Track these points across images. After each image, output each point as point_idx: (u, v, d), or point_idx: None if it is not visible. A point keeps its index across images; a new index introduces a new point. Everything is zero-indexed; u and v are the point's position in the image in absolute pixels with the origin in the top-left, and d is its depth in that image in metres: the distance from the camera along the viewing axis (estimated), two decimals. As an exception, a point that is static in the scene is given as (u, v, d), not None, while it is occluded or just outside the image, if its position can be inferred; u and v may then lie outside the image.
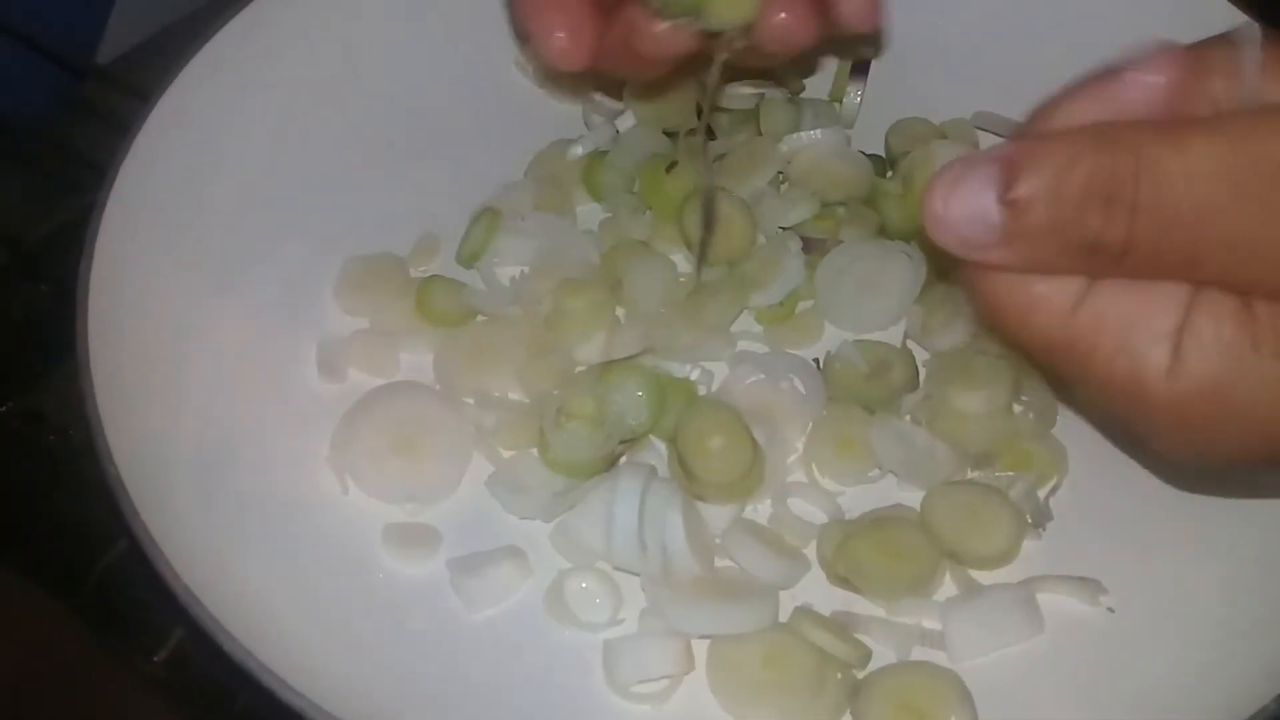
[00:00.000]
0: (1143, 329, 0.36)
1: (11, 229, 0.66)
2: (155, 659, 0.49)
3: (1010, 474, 0.53)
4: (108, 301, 0.50)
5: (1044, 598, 0.50)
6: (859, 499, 0.53)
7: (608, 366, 0.54)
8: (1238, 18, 0.57)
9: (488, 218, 0.60)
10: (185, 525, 0.47)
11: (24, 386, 0.63)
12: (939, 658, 0.49)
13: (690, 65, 0.52)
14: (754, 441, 0.52)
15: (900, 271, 0.59)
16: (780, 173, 0.63)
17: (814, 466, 0.54)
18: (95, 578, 0.52)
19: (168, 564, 0.41)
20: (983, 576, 0.51)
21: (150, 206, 0.54)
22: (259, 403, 0.54)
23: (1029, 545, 0.51)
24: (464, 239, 0.60)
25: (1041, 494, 0.53)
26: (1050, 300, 0.37)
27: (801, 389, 0.56)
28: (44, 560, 0.55)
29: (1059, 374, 0.39)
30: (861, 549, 0.49)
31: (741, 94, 0.66)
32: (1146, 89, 0.36)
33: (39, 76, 0.75)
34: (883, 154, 0.65)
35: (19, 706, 0.51)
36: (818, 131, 0.63)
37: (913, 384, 0.56)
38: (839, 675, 0.47)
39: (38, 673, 0.52)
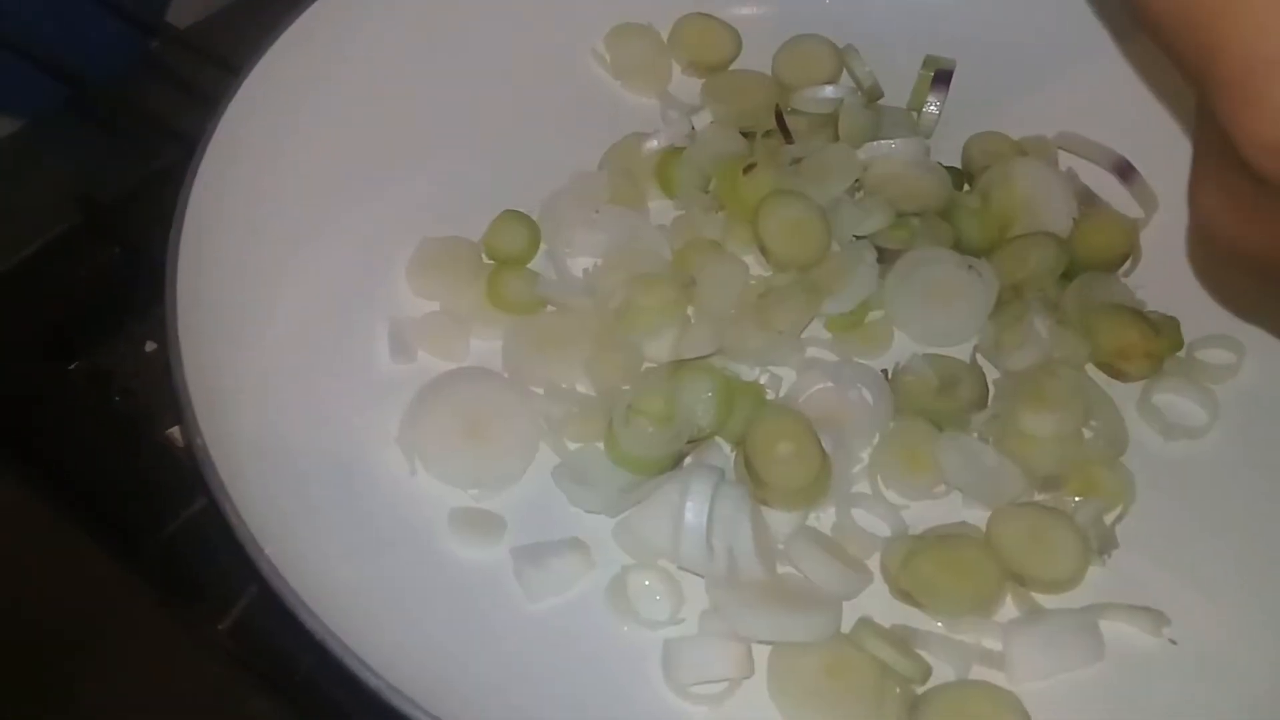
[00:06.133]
0: None
1: (85, 188, 0.66)
2: (220, 627, 0.50)
3: (1077, 499, 0.53)
4: (191, 275, 0.50)
5: (1106, 625, 0.50)
6: (923, 514, 0.53)
7: (678, 366, 0.55)
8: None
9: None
10: (256, 500, 0.47)
11: (92, 345, 0.63)
12: (997, 678, 0.49)
13: None
14: (822, 450, 0.52)
15: (971, 286, 0.58)
16: (856, 180, 0.62)
17: (879, 479, 0.54)
18: (161, 542, 0.53)
19: (252, 538, 0.42)
20: (1045, 600, 0.50)
21: (235, 181, 0.54)
22: (330, 380, 0.55)
23: (1093, 572, 0.51)
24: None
25: (1108, 521, 0.52)
26: None
27: (869, 399, 0.55)
28: (109, 521, 0.55)
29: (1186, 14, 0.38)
30: (927, 565, 0.49)
31: (819, 98, 0.66)
32: None
33: (112, 36, 0.76)
34: (959, 166, 0.65)
35: (81, 668, 0.51)
36: (897, 141, 0.63)
37: (982, 402, 0.56)
38: (898, 690, 0.47)
39: (101, 635, 0.52)
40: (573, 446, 0.54)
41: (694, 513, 0.48)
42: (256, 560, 0.41)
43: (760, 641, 0.48)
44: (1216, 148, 0.41)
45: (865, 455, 0.55)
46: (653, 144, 0.65)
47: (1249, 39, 0.38)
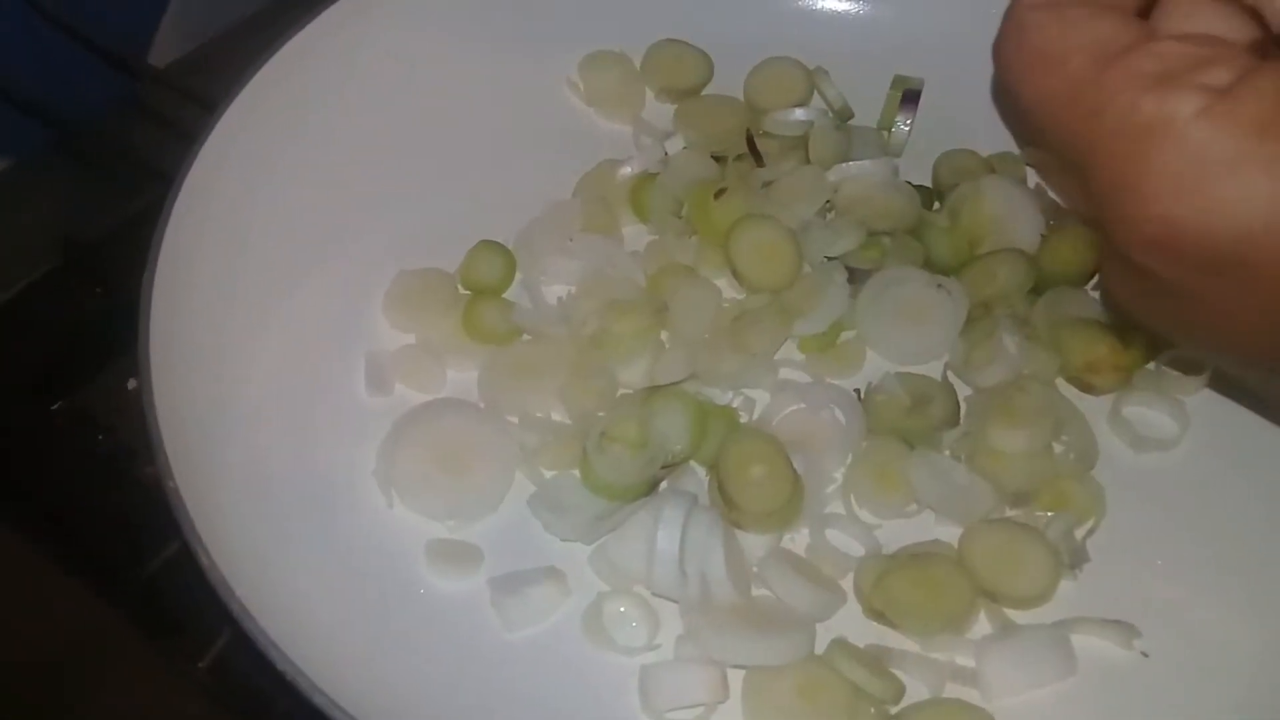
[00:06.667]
0: (1185, 80, 0.36)
1: (67, 229, 0.67)
2: (200, 664, 0.50)
3: (1048, 514, 0.53)
4: (167, 312, 0.51)
5: (1078, 639, 0.50)
6: (896, 532, 0.53)
7: (651, 391, 0.55)
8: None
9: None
10: (234, 535, 0.48)
11: (74, 386, 0.64)
12: (971, 695, 0.49)
13: None
14: (794, 472, 0.52)
15: (941, 304, 0.59)
16: (827, 201, 0.63)
17: (852, 498, 0.54)
18: (142, 581, 0.53)
19: (223, 580, 0.42)
20: (1018, 616, 0.51)
21: (211, 217, 0.55)
22: (307, 414, 0.55)
23: (1065, 586, 0.51)
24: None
25: (1079, 535, 0.53)
26: (1088, 48, 0.38)
27: (842, 419, 0.56)
28: (91, 560, 0.56)
29: (1062, 139, 0.40)
30: (899, 585, 0.50)
31: (791, 120, 0.66)
32: None
33: (94, 77, 0.77)
34: (929, 185, 0.66)
35: (58, 705, 0.52)
36: (867, 161, 0.63)
37: (953, 419, 0.56)
38: (872, 709, 0.48)
39: (84, 674, 0.52)
40: (548, 474, 0.55)
41: (666, 539, 0.49)
42: (228, 603, 0.42)
43: (734, 665, 0.48)
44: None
45: (838, 475, 0.55)
46: (626, 170, 0.65)
47: (1105, 168, 0.39)
